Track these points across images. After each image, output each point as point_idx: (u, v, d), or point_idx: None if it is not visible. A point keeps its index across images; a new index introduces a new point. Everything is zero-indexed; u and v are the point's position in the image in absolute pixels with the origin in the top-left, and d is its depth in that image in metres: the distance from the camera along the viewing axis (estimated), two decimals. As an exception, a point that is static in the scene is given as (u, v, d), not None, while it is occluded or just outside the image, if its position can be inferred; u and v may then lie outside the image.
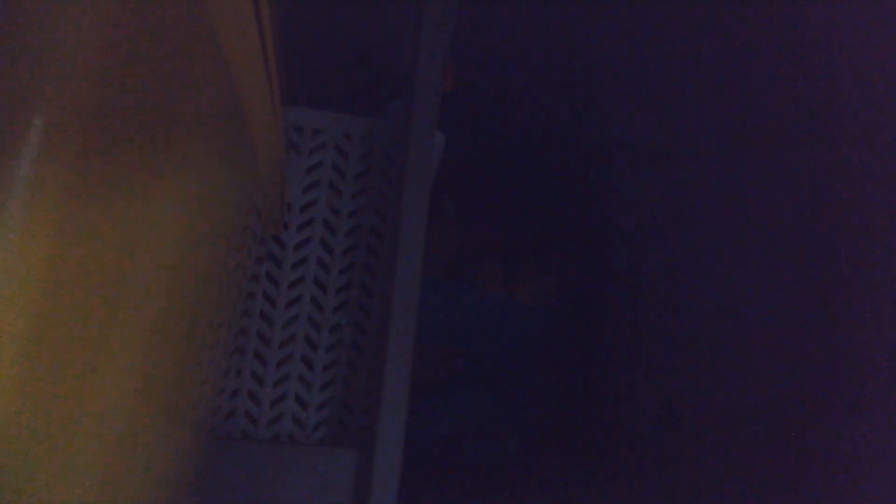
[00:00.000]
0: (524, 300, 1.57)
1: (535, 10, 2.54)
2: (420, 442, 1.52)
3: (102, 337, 0.27)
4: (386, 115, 1.10)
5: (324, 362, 0.78)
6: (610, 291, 2.47)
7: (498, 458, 1.56)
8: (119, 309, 0.28)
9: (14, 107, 0.20)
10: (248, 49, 0.37)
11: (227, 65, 0.36)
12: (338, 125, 0.82)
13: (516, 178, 2.65)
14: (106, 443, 0.29)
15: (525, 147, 2.68)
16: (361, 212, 0.82)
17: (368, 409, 0.77)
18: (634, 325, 2.42)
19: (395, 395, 0.70)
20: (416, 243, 0.73)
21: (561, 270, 2.25)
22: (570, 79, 2.64)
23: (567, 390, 2.47)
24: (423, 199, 0.73)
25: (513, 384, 1.71)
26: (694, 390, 2.51)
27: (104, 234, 0.25)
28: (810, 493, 1.65)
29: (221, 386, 0.64)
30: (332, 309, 0.79)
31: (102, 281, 0.26)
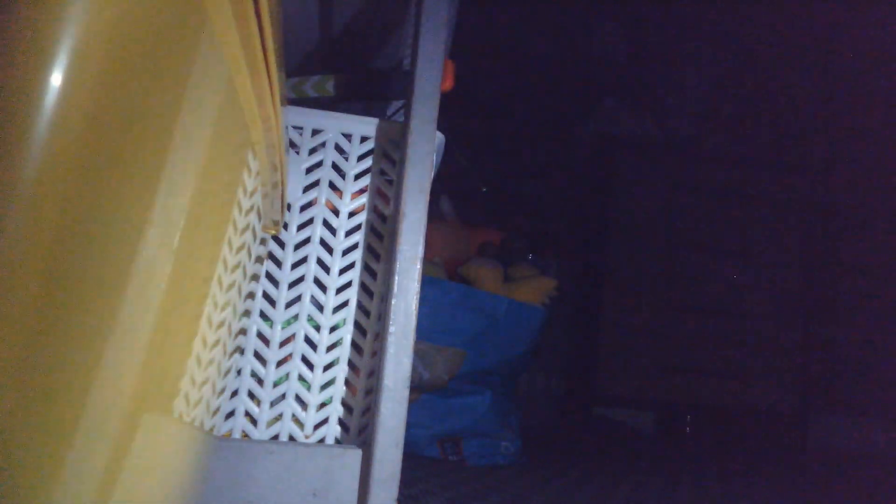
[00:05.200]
0: (524, 300, 1.57)
1: (535, 10, 2.53)
2: (420, 442, 1.52)
3: (102, 337, 0.27)
4: (386, 115, 1.10)
5: (324, 362, 0.78)
6: (609, 291, 2.46)
7: (498, 458, 1.56)
8: (119, 309, 0.28)
9: (15, 105, 0.20)
10: (248, 49, 0.37)
11: (226, 64, 0.36)
12: (338, 125, 0.82)
13: (516, 178, 2.65)
14: (105, 443, 0.29)
15: (525, 147, 2.68)
16: (361, 212, 0.82)
17: (368, 409, 0.77)
18: (634, 325, 2.42)
19: (395, 395, 0.70)
20: (416, 243, 0.73)
21: (561, 270, 2.25)
22: (570, 79, 2.64)
23: (567, 390, 2.47)
24: (423, 199, 0.73)
25: (513, 384, 1.71)
26: (694, 390, 2.51)
27: (104, 234, 0.25)
28: (810, 492, 1.65)
29: (221, 386, 0.64)
30: (332, 309, 0.79)
31: (102, 281, 0.26)
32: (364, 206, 0.82)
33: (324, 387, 0.78)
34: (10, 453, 0.22)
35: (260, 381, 0.76)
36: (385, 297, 0.75)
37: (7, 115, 0.20)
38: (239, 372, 0.76)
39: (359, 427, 0.77)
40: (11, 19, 0.20)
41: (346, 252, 0.80)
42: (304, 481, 0.70)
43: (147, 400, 0.33)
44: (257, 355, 0.77)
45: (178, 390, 0.40)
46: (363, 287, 0.80)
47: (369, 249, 0.81)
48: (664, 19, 2.56)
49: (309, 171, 0.81)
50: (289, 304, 0.79)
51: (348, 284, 0.80)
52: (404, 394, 0.70)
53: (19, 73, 0.21)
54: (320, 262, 0.80)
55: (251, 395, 0.76)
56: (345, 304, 0.79)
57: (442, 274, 1.58)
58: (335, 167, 0.82)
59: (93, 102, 0.23)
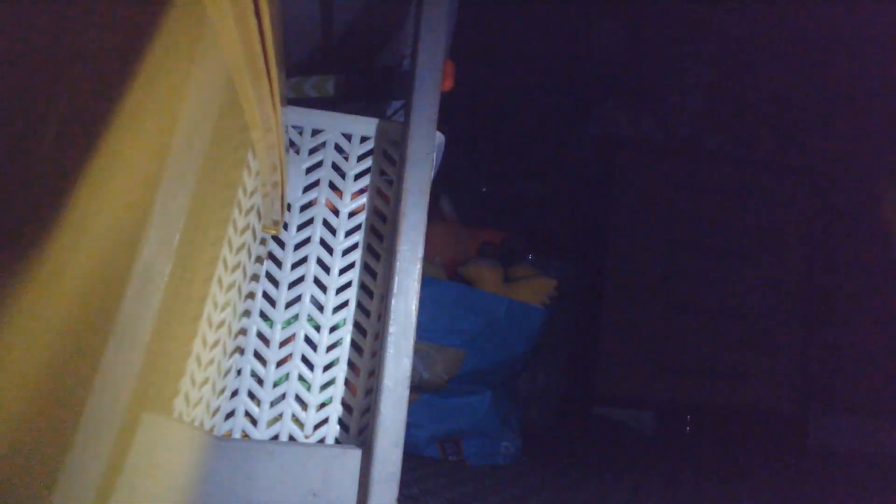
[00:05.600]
0: (524, 300, 1.57)
1: (536, 10, 2.53)
2: (420, 442, 1.52)
3: (103, 337, 0.27)
4: (386, 115, 1.10)
5: (324, 362, 0.78)
6: (609, 292, 2.46)
7: (498, 458, 1.56)
8: (119, 309, 0.28)
9: (18, 110, 0.21)
10: (248, 49, 0.37)
11: (226, 64, 0.36)
12: (338, 125, 0.82)
13: (516, 178, 2.65)
14: (106, 443, 0.29)
15: (525, 147, 2.68)
16: (361, 212, 0.82)
17: (368, 409, 0.77)
18: (634, 325, 2.42)
19: (395, 395, 0.70)
20: (416, 243, 0.73)
21: (561, 270, 2.25)
22: (570, 79, 2.64)
23: (567, 390, 2.47)
24: (423, 199, 0.73)
25: (513, 384, 1.71)
26: (694, 390, 2.51)
27: (105, 235, 0.25)
28: (810, 492, 1.65)
29: (221, 386, 0.64)
30: (332, 309, 0.79)
31: (103, 282, 0.26)
32: (364, 206, 0.82)
33: (324, 387, 0.78)
34: (12, 453, 0.22)
35: (260, 381, 0.76)
36: (385, 297, 0.75)
37: (7, 115, 0.20)
38: (239, 372, 0.76)
39: (359, 427, 0.77)
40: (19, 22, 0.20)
41: (346, 252, 0.80)
42: (304, 481, 0.70)
43: (147, 400, 0.33)
44: (257, 355, 0.77)
45: (179, 390, 0.40)
46: (363, 287, 0.80)
47: (369, 249, 0.81)
48: (664, 19, 2.56)
49: (309, 171, 0.81)
50: (289, 304, 0.79)
51: (348, 284, 0.80)
52: (404, 394, 0.70)
53: (20, 75, 0.21)
54: (320, 262, 0.80)
55: (251, 395, 0.76)
56: (345, 304, 0.79)
57: (442, 274, 1.58)
58: (335, 167, 0.82)
59: (92, 103, 0.23)
